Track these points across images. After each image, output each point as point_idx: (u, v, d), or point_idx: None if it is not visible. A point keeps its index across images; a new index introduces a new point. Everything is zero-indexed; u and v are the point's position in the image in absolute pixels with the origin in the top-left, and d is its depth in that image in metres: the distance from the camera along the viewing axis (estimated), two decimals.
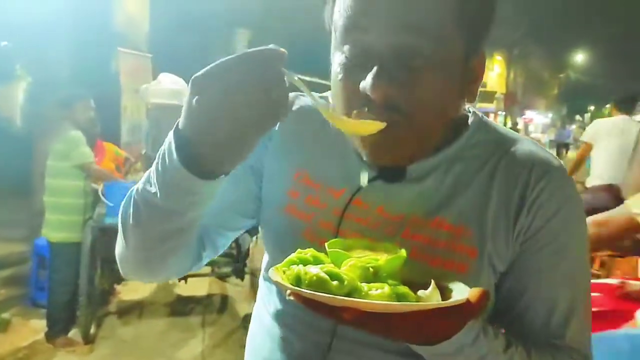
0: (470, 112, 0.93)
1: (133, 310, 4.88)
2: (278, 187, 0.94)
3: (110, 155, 4.97)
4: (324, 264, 0.68)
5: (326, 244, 0.71)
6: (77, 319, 4.13)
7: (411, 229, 0.84)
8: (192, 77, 0.66)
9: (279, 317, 0.93)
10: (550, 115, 46.37)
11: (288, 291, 0.64)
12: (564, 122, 33.82)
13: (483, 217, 0.83)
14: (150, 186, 0.77)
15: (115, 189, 4.00)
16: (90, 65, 5.67)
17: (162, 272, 0.92)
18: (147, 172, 0.80)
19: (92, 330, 4.20)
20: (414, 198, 0.86)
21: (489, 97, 24.42)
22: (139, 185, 0.82)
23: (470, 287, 0.71)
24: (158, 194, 0.76)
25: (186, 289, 5.12)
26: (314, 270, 0.64)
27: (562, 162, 0.89)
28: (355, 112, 0.78)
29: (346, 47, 0.78)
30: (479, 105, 22.90)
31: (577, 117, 51.39)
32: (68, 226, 4.10)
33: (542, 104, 47.23)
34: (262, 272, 1.03)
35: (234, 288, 5.38)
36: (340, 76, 0.80)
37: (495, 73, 31.97)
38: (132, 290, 5.26)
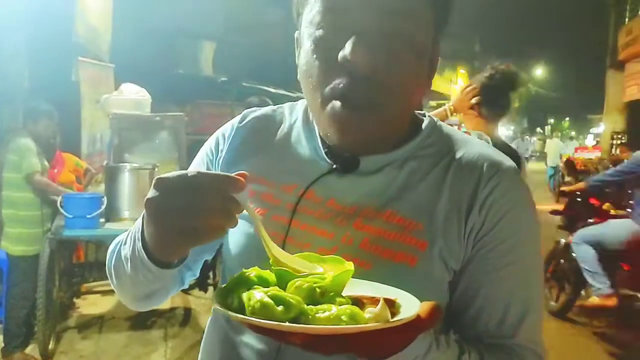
0: (425, 116, 0.97)
1: (93, 324, 4.79)
2: None
3: (70, 166, 4.89)
4: (268, 283, 0.68)
5: (271, 262, 0.71)
6: (35, 334, 4.03)
7: (363, 220, 0.86)
8: (157, 177, 0.68)
9: (230, 320, 0.94)
10: (512, 127, 47.25)
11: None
12: (524, 135, 34.62)
13: (434, 212, 0.85)
14: (125, 246, 0.85)
15: (74, 201, 3.95)
16: (50, 75, 5.58)
17: (150, 305, 1.00)
18: (129, 231, 0.86)
19: (51, 345, 4.09)
20: (366, 191, 0.88)
21: None
22: (122, 239, 0.89)
23: (422, 283, 0.72)
24: (129, 263, 0.82)
25: None
26: (258, 295, 0.62)
27: (514, 164, 0.91)
28: (329, 88, 0.81)
29: (323, 24, 0.81)
30: None
31: (538, 129, 52.56)
32: (27, 239, 4.03)
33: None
34: (220, 277, 1.04)
35: (197, 300, 5.33)
36: (315, 51, 0.82)
37: (459, 86, 32.44)
38: (92, 304, 5.17)
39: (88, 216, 3.85)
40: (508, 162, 0.90)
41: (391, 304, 0.66)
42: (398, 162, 0.89)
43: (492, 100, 2.82)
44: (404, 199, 0.87)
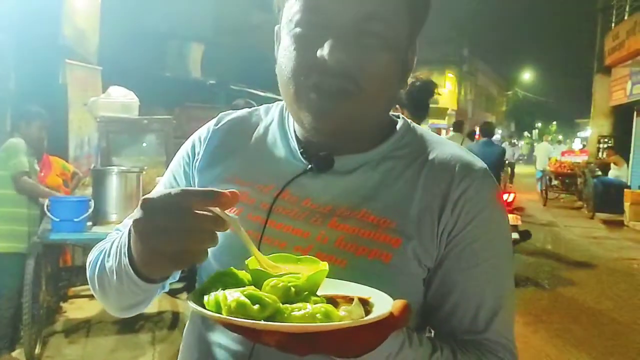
0: (399, 117, 1.00)
1: (80, 328, 4.75)
2: None
3: (57, 169, 4.85)
4: (243, 283, 0.69)
5: (247, 262, 0.72)
6: (21, 337, 3.99)
7: (338, 219, 0.87)
8: (143, 197, 0.67)
9: (205, 321, 0.95)
10: (500, 131, 47.59)
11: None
12: (512, 138, 34.91)
13: (408, 211, 0.87)
14: (109, 259, 0.84)
15: (61, 204, 3.92)
16: (37, 78, 5.55)
17: (134, 312, 0.99)
18: (110, 239, 0.87)
19: (37, 350, 4.05)
20: (341, 190, 0.90)
21: (442, 113, 24.75)
22: (105, 249, 0.89)
23: (396, 279, 0.74)
24: (115, 275, 0.82)
25: None
26: (234, 294, 0.63)
27: (485, 165, 0.94)
28: (304, 81, 0.83)
29: (302, 22, 0.84)
30: (431, 121, 23.18)
31: (526, 133, 52.96)
32: (10, 236, 4.00)
33: (492, 121, 48.41)
34: (198, 277, 1.06)
35: (185, 304, 5.30)
36: (294, 46, 0.85)
37: (447, 90, 32.62)
38: (79, 308, 5.13)
39: (75, 220, 3.82)
40: (480, 163, 0.93)
41: (365, 303, 0.67)
42: (373, 162, 0.92)
43: (413, 103, 3.48)
44: (378, 199, 0.88)
